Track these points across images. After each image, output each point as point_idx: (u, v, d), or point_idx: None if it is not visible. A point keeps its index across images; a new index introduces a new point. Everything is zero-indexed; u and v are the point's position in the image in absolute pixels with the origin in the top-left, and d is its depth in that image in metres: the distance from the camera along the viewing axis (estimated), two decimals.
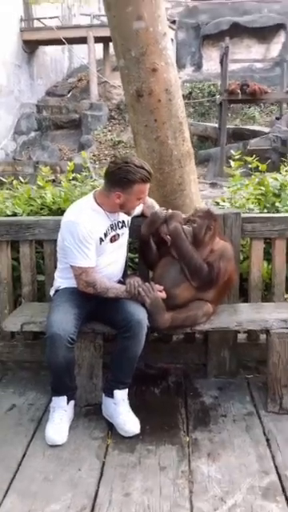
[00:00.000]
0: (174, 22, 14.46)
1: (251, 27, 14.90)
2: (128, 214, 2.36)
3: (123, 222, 2.41)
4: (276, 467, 1.97)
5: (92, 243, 2.25)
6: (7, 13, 12.78)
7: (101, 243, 2.29)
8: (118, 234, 2.39)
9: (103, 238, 2.30)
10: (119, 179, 2.22)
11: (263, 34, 14.99)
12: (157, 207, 2.52)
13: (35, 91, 14.60)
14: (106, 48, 14.36)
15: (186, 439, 2.16)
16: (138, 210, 2.49)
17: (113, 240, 2.36)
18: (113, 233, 2.35)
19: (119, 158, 2.30)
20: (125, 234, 2.45)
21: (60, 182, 3.48)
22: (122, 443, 2.14)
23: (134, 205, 2.31)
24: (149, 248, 2.45)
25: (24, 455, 2.08)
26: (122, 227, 2.40)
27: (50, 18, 13.67)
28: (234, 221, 2.62)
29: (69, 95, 15.00)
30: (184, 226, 2.34)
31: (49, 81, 15.31)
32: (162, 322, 2.28)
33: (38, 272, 2.82)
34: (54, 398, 2.27)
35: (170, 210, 2.43)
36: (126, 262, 2.65)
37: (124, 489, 1.87)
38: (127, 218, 2.43)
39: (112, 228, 2.35)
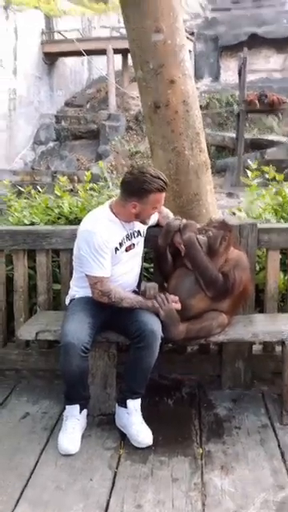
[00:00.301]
0: (192, 33, 14.59)
1: (269, 38, 14.94)
2: (144, 223, 2.37)
3: (139, 231, 2.42)
4: None
5: (108, 253, 2.26)
6: (29, 26, 13.06)
7: (116, 252, 2.31)
8: (134, 244, 2.40)
9: (118, 248, 2.32)
10: (135, 189, 2.24)
11: (281, 44, 15.00)
12: (171, 217, 2.53)
13: (54, 102, 14.83)
14: (124, 59, 14.54)
15: (200, 451, 2.15)
16: (153, 220, 2.50)
17: (128, 249, 2.37)
18: (128, 242, 2.36)
19: (135, 168, 2.32)
20: (140, 243, 2.46)
21: (77, 192, 3.52)
22: (135, 454, 2.13)
23: (149, 214, 2.33)
24: (164, 259, 2.46)
25: (36, 464, 2.08)
26: (137, 237, 2.42)
27: (71, 30, 13.91)
28: (250, 231, 2.61)
29: (87, 106, 15.20)
30: (199, 236, 2.34)
31: (68, 92, 15.55)
32: (176, 334, 2.27)
33: (53, 281, 2.85)
34: (67, 407, 2.27)
35: (184, 220, 2.44)
36: (141, 271, 2.66)
37: (136, 500, 1.86)
38: (143, 228, 2.44)
39: (128, 238, 2.36)
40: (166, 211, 2.59)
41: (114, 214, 2.33)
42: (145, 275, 2.80)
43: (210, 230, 2.35)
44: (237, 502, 1.84)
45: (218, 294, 2.30)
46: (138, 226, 2.40)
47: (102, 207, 2.42)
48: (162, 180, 2.24)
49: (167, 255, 2.45)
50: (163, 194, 2.29)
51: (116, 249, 2.30)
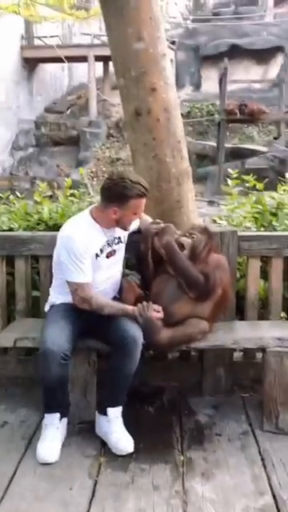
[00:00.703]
0: (173, 42, 14.77)
1: (250, 49, 15.24)
2: (124, 229, 2.39)
3: (119, 238, 2.44)
4: (271, 488, 1.97)
5: (87, 258, 2.27)
6: (8, 30, 13.02)
7: (97, 258, 2.32)
8: (115, 250, 2.42)
9: (99, 254, 2.33)
10: (116, 195, 2.25)
11: (262, 55, 15.32)
12: (149, 220, 2.57)
13: (34, 108, 14.80)
14: (105, 67, 14.62)
15: (181, 458, 2.16)
16: (134, 226, 2.52)
17: (109, 256, 2.39)
18: (109, 249, 2.38)
19: (115, 174, 2.33)
20: (121, 249, 2.48)
21: (57, 198, 3.52)
22: (115, 462, 2.13)
23: (130, 220, 2.35)
24: (146, 265, 2.48)
25: (15, 473, 2.06)
26: (118, 243, 2.43)
27: (51, 36, 13.94)
28: (231, 239, 2.66)
29: (68, 112, 15.21)
30: (183, 238, 2.39)
31: (48, 98, 15.53)
32: (157, 341, 2.29)
33: (32, 288, 2.83)
34: (46, 415, 2.26)
35: (161, 224, 2.48)
36: (122, 277, 2.67)
37: (116, 509, 1.86)
38: (123, 234, 2.46)
39: (108, 244, 2.37)
40: (146, 217, 2.62)
41: (94, 219, 2.34)
42: None
43: (195, 234, 2.39)
44: (218, 509, 1.86)
45: (201, 295, 2.33)
46: (119, 232, 2.42)
47: (82, 213, 2.44)
48: (142, 185, 2.26)
49: (149, 261, 2.47)
50: (143, 200, 2.31)
51: (96, 255, 2.32)
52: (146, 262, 2.47)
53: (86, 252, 2.26)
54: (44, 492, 1.95)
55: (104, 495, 1.93)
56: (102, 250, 2.33)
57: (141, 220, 2.57)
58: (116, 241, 2.42)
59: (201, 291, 2.32)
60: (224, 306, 2.51)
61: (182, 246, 2.38)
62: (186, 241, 2.38)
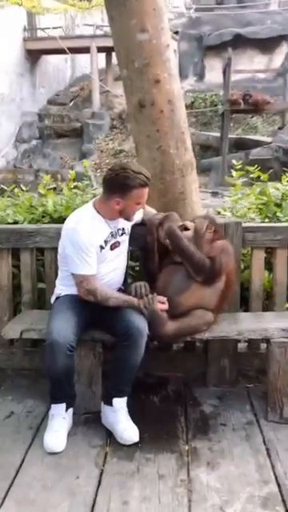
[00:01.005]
0: (176, 32, 14.64)
1: (254, 38, 15.08)
2: (128, 219, 2.39)
3: (123, 229, 2.44)
4: (276, 477, 1.99)
5: (92, 251, 2.28)
6: (11, 22, 12.96)
7: (101, 251, 2.33)
8: (119, 242, 2.42)
9: (104, 246, 2.34)
10: (118, 185, 2.26)
11: (266, 45, 15.16)
12: (153, 212, 2.58)
13: (37, 100, 14.75)
14: (108, 58, 14.53)
15: (186, 448, 2.18)
16: (137, 217, 2.53)
17: (113, 247, 2.39)
18: (113, 240, 2.39)
19: (117, 165, 2.34)
20: (125, 241, 2.48)
21: (61, 190, 3.53)
22: (121, 451, 2.16)
23: (133, 210, 2.35)
24: (152, 257, 2.49)
25: (22, 462, 2.09)
26: (122, 234, 2.44)
27: (54, 28, 13.86)
28: (235, 230, 2.66)
29: (71, 104, 15.15)
30: (186, 222, 2.41)
31: (51, 89, 15.47)
32: (163, 333, 2.30)
33: (38, 280, 2.85)
34: (52, 406, 2.29)
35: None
36: (127, 270, 2.68)
37: (122, 497, 1.89)
38: (127, 226, 2.46)
39: (112, 235, 2.38)
40: (150, 209, 2.62)
41: (97, 211, 2.35)
42: (130, 273, 2.83)
43: (196, 220, 2.43)
44: (222, 498, 1.88)
45: (208, 278, 2.33)
46: (123, 223, 2.42)
47: (86, 205, 2.45)
48: (144, 175, 2.27)
49: (155, 254, 2.48)
50: (146, 190, 2.31)
51: (101, 247, 2.33)
52: (152, 253, 2.48)
53: (90, 244, 2.27)
54: (51, 481, 1.98)
55: (110, 484, 1.96)
56: (106, 242, 2.34)
57: (145, 211, 2.57)
58: (120, 232, 2.42)
59: (207, 274, 2.33)
60: (229, 294, 2.50)
61: (185, 228, 2.40)
62: (190, 223, 2.41)
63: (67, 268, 2.36)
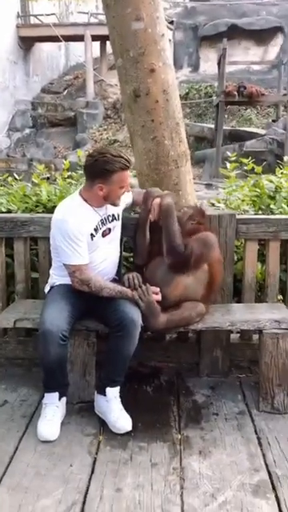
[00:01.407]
0: (171, 22, 14.54)
1: (249, 29, 15.02)
2: (114, 204, 2.37)
3: (113, 215, 2.44)
4: (266, 465, 2.02)
5: (82, 240, 2.28)
6: (4, 8, 12.78)
7: (92, 239, 2.32)
8: (109, 228, 2.42)
9: (94, 234, 2.33)
10: (98, 171, 2.25)
11: (261, 36, 15.12)
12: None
13: (30, 88, 14.61)
14: (102, 46, 14.41)
15: (178, 437, 2.20)
16: (127, 200, 2.53)
17: (104, 234, 2.39)
18: (104, 227, 2.38)
19: (95, 151, 2.33)
20: (116, 227, 2.48)
21: (55, 180, 3.51)
22: (114, 440, 2.17)
23: (118, 194, 2.33)
24: (143, 232, 2.47)
25: (16, 450, 2.10)
26: (112, 221, 2.43)
27: (47, 14, 13.70)
28: (229, 222, 2.67)
29: (64, 93, 15.04)
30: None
31: (44, 78, 15.33)
32: (156, 324, 2.31)
33: (32, 269, 2.85)
34: (46, 395, 2.30)
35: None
36: (121, 260, 2.68)
37: (115, 484, 1.91)
38: (117, 211, 2.46)
39: (102, 223, 2.38)
40: (138, 190, 2.64)
41: (84, 200, 2.34)
42: (124, 264, 2.83)
43: (184, 209, 2.46)
44: (214, 485, 1.90)
45: (176, 264, 2.34)
46: (112, 209, 2.41)
47: (72, 196, 2.44)
48: (123, 158, 2.26)
49: (146, 230, 2.47)
50: (127, 173, 2.31)
51: (91, 235, 2.32)
52: (144, 225, 2.47)
53: (80, 234, 2.26)
54: (45, 469, 1.99)
55: (103, 472, 1.98)
56: (96, 230, 2.34)
57: (138, 192, 2.59)
58: (110, 218, 2.42)
59: (177, 259, 2.33)
60: (215, 285, 2.49)
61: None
62: (177, 214, 2.42)
63: (59, 259, 2.36)
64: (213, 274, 2.43)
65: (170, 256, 2.35)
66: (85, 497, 1.84)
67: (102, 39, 13.58)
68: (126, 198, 2.51)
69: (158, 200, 2.44)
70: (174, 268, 2.35)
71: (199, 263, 2.37)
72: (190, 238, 2.38)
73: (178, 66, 14.49)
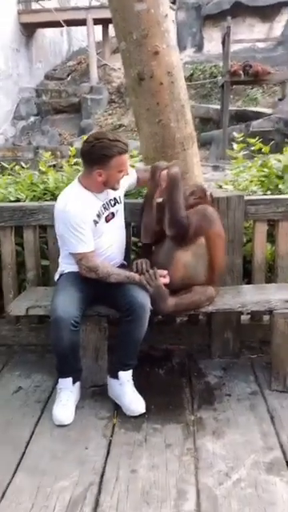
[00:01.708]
0: (174, 1, 14.27)
1: (253, 6, 14.69)
2: (114, 188, 2.35)
3: (115, 199, 2.42)
4: (280, 444, 2.03)
5: (85, 227, 2.27)
6: None
7: (96, 225, 2.32)
8: (113, 213, 2.41)
9: (97, 220, 2.32)
10: (96, 157, 2.23)
11: (265, 12, 14.78)
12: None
13: (34, 75, 14.50)
14: (105, 30, 14.21)
15: (191, 418, 2.23)
16: (131, 181, 2.52)
17: (108, 219, 2.38)
18: (106, 212, 2.37)
19: (91, 136, 2.30)
20: (119, 211, 2.47)
21: (61, 167, 3.51)
22: (128, 422, 2.20)
23: (117, 179, 2.31)
24: (149, 209, 2.42)
25: (31, 435, 2.14)
26: (114, 205, 2.42)
27: None
28: (237, 203, 2.65)
29: (68, 79, 14.90)
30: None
31: (48, 64, 15.19)
32: (165, 308, 2.31)
33: (42, 257, 2.86)
34: (60, 380, 2.33)
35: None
36: (129, 245, 2.69)
37: (130, 466, 1.94)
38: (119, 194, 2.44)
39: (104, 208, 2.37)
40: (144, 167, 2.61)
41: (84, 187, 2.33)
42: (133, 249, 2.84)
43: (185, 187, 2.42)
44: (228, 464, 1.93)
45: (177, 236, 2.32)
46: (113, 193, 2.40)
47: (72, 184, 2.42)
48: (121, 142, 2.23)
49: (153, 205, 2.42)
50: (125, 156, 2.28)
51: (95, 221, 2.31)
52: (150, 201, 2.42)
53: (83, 222, 2.26)
54: (61, 452, 2.03)
55: (118, 453, 2.01)
56: (99, 216, 2.33)
57: (143, 169, 2.58)
58: (112, 203, 2.41)
59: (178, 232, 2.31)
60: (216, 263, 2.41)
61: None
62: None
63: (65, 248, 2.36)
64: (212, 248, 2.36)
65: (172, 228, 2.31)
66: (101, 478, 1.88)
67: (105, 23, 13.38)
68: (130, 179, 2.50)
69: (165, 172, 2.38)
70: (175, 240, 2.32)
71: (197, 236, 2.33)
72: (188, 209, 2.35)
73: (181, 46, 14.25)
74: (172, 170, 2.35)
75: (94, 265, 2.29)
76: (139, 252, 2.83)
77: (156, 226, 2.43)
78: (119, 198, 2.45)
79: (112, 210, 2.40)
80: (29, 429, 2.18)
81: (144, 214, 2.46)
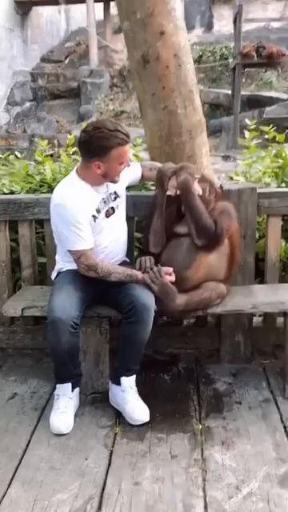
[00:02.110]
0: None
1: None
2: (114, 181, 2.36)
3: (115, 192, 2.43)
4: None
5: (84, 223, 2.28)
6: None
7: (95, 221, 2.33)
8: (113, 207, 2.42)
9: (96, 215, 2.33)
10: (94, 148, 2.22)
11: None
12: (159, 165, 2.55)
13: (29, 57, 14.50)
14: (106, 8, 14.18)
15: (199, 427, 2.24)
16: (135, 174, 2.53)
17: (108, 214, 2.39)
18: (106, 207, 2.38)
19: (90, 125, 2.29)
20: (120, 205, 2.47)
21: (59, 157, 3.52)
22: (131, 432, 2.22)
23: (117, 171, 2.31)
24: (159, 214, 2.42)
25: (28, 444, 2.16)
26: (115, 198, 2.43)
27: None
28: (250, 196, 2.65)
29: (66, 61, 14.90)
30: (196, 184, 2.37)
31: (44, 46, 15.18)
32: (174, 307, 2.33)
33: (38, 254, 2.88)
34: (57, 386, 2.35)
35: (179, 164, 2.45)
36: (132, 241, 2.70)
37: (134, 478, 1.95)
38: (120, 188, 2.45)
39: (105, 202, 2.37)
40: (150, 163, 2.61)
41: (82, 179, 2.33)
42: (137, 246, 2.85)
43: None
44: (238, 477, 1.94)
45: (209, 243, 2.34)
46: (114, 186, 2.41)
47: (69, 176, 2.42)
48: (121, 132, 2.22)
49: (163, 211, 2.42)
50: (126, 147, 2.27)
51: (94, 217, 2.32)
52: (160, 210, 2.42)
53: (81, 217, 2.26)
54: (59, 463, 2.05)
55: (120, 465, 2.03)
56: (98, 211, 2.34)
57: (148, 167, 2.58)
58: (112, 197, 2.41)
59: (210, 238, 2.33)
60: (235, 259, 2.49)
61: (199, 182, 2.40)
62: (197, 189, 2.39)
63: (63, 244, 2.37)
64: (232, 246, 2.43)
65: (201, 237, 2.32)
66: (102, 491, 1.89)
67: (106, 0, 13.38)
68: (133, 173, 2.50)
69: (174, 182, 2.37)
70: (208, 249, 2.35)
71: (226, 236, 2.38)
72: (212, 209, 2.37)
73: (189, 26, 14.19)
74: (180, 178, 2.34)
75: (93, 263, 2.30)
76: (143, 248, 2.84)
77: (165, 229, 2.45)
78: (120, 191, 2.46)
79: (112, 204, 2.41)
80: (25, 438, 2.20)
81: (154, 221, 2.45)
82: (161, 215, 2.43)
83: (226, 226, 2.35)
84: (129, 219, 2.60)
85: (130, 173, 2.48)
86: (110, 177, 2.31)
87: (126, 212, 2.54)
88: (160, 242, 2.46)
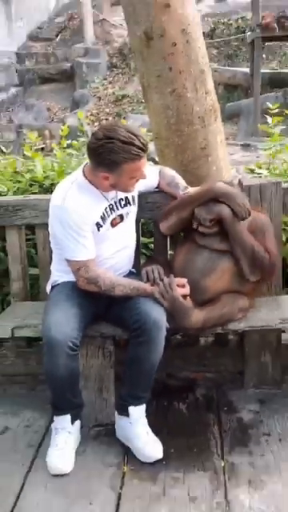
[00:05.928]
0: None
1: None
2: (126, 192, 2.38)
3: (126, 198, 2.44)
4: None
5: (87, 230, 2.29)
6: None
7: (99, 230, 2.34)
8: (122, 215, 2.42)
9: (101, 223, 2.34)
10: (103, 159, 2.22)
11: None
12: (180, 183, 2.54)
13: (15, 36, 14.62)
14: None
15: (221, 464, 2.24)
16: (151, 183, 2.53)
17: (115, 224, 2.40)
18: (113, 215, 2.39)
19: (103, 128, 2.27)
20: (131, 213, 2.48)
21: (51, 151, 3.55)
22: (142, 471, 2.22)
23: (128, 185, 2.32)
24: (188, 206, 2.44)
25: (22, 488, 2.16)
26: (125, 205, 2.44)
27: None
28: (274, 193, 2.66)
29: (57, 39, 15.03)
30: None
31: (31, 22, 15.31)
32: (190, 324, 2.33)
33: (29, 264, 2.89)
34: (55, 418, 2.35)
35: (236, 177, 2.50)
36: (139, 248, 2.70)
37: None
38: (132, 194, 2.46)
39: (112, 209, 2.38)
40: (171, 175, 2.59)
41: (89, 181, 2.34)
42: (143, 252, 2.86)
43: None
44: None
45: (265, 275, 2.41)
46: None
47: (74, 174, 2.43)
48: (135, 146, 2.19)
49: (192, 207, 2.42)
50: (140, 162, 2.24)
51: (98, 225, 2.33)
52: (192, 205, 2.42)
53: (83, 223, 2.28)
54: (58, 509, 2.05)
55: (131, 509, 2.02)
56: (103, 218, 2.35)
57: (167, 180, 2.56)
58: (122, 203, 2.42)
59: (266, 272, 2.38)
60: (270, 275, 2.50)
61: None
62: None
63: (61, 252, 2.38)
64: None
65: (257, 272, 2.38)
66: None
67: None
68: (149, 180, 2.48)
69: (203, 213, 2.36)
70: (264, 280, 2.46)
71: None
72: (253, 233, 2.40)
73: None
74: (223, 214, 2.34)
75: (94, 275, 2.31)
76: (151, 255, 2.85)
77: (181, 224, 2.47)
78: (132, 198, 2.46)
79: (121, 211, 2.42)
80: (18, 480, 2.20)
81: (179, 203, 2.47)
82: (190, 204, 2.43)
83: (275, 251, 2.39)
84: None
85: (144, 181, 2.44)
86: (120, 189, 2.34)
87: None
88: (176, 228, 2.50)
